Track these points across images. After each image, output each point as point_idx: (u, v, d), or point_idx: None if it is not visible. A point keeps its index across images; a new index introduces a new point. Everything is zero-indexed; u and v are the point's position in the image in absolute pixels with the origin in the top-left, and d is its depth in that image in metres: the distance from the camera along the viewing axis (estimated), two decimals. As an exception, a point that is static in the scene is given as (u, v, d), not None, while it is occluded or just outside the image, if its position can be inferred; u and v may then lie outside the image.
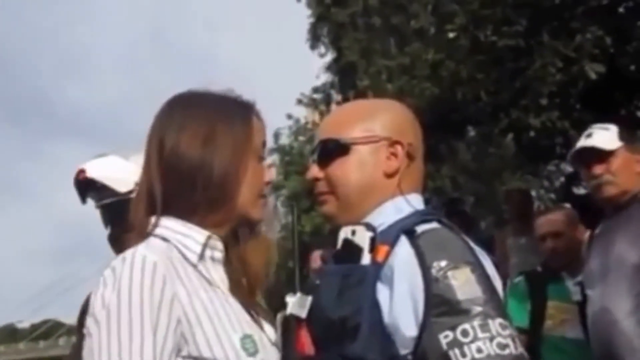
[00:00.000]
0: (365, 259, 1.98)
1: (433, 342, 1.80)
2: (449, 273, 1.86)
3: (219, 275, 1.91)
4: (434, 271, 1.85)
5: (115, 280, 1.72)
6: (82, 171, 3.03)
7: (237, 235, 1.99)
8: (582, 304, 3.64)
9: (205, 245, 1.88)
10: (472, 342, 1.78)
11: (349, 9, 13.78)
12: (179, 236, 1.87)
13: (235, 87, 2.08)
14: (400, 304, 1.88)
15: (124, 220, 2.18)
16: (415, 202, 2.13)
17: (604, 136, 3.57)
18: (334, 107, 15.87)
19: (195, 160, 1.89)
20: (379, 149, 2.14)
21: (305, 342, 2.05)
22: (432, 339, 1.80)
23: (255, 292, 2.01)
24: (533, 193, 11.84)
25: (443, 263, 1.87)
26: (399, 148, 2.13)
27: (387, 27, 12.93)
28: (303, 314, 2.07)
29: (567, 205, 5.50)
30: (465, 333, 1.80)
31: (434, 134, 10.61)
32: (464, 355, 1.77)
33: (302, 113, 16.95)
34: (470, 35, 8.52)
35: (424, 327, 1.82)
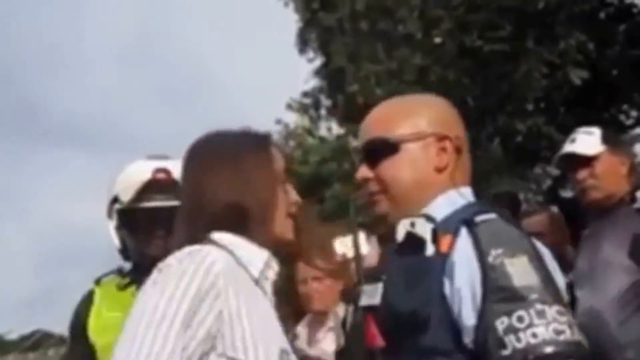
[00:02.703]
0: (429, 250, 2.01)
1: (489, 329, 1.83)
2: (506, 260, 1.88)
3: (269, 294, 2.01)
4: (490, 259, 1.89)
5: (173, 267, 1.86)
6: (164, 171, 3.02)
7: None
8: (572, 304, 3.68)
9: (267, 263, 2.00)
10: (527, 327, 1.80)
11: (337, 13, 13.82)
12: (243, 251, 1.97)
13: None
14: (461, 293, 1.91)
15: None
16: (468, 194, 2.19)
17: (587, 141, 3.66)
18: (323, 112, 15.99)
19: (233, 199, 2.00)
20: (428, 145, 2.17)
21: (375, 333, 2.10)
22: (489, 325, 1.83)
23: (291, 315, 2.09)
24: (521, 196, 11.94)
25: (500, 251, 1.90)
26: (447, 143, 2.17)
27: (375, 31, 12.98)
28: (376, 301, 2.10)
29: (553, 207, 5.59)
30: (520, 319, 1.81)
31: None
32: (519, 340, 1.79)
33: (292, 118, 16.94)
34: (456, 40, 8.61)
35: (481, 315, 1.86)
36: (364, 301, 2.17)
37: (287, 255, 2.16)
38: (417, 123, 2.19)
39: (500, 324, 1.82)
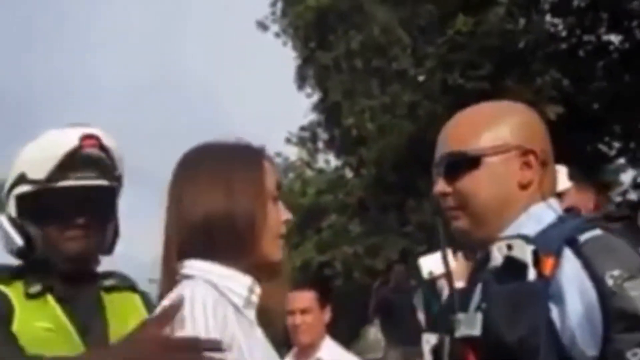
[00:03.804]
0: (531, 274, 1.84)
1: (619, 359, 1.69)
2: (626, 284, 1.73)
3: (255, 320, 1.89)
4: (608, 283, 1.72)
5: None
6: (94, 137, 2.45)
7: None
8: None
9: (250, 289, 1.85)
10: None
11: (333, 51, 14.28)
12: (225, 280, 1.83)
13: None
14: (576, 321, 1.76)
15: (111, 209, 2.49)
16: (556, 206, 2.01)
17: None
18: (320, 145, 16.40)
19: (218, 213, 1.84)
20: (511, 159, 1.98)
21: None
22: (620, 357, 1.69)
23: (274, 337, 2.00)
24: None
25: (616, 273, 1.74)
26: (532, 157, 1.97)
27: (369, 68, 13.40)
28: (476, 331, 1.92)
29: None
30: None
31: (414, 170, 11.04)
32: None
33: (292, 151, 17.31)
34: (439, 78, 9.04)
35: (606, 346, 1.71)
36: (462, 331, 1.97)
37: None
38: (500, 135, 2.00)
39: (633, 355, 1.69)
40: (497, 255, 1.90)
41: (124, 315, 2.47)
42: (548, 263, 1.80)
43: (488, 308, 1.88)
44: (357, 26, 13.65)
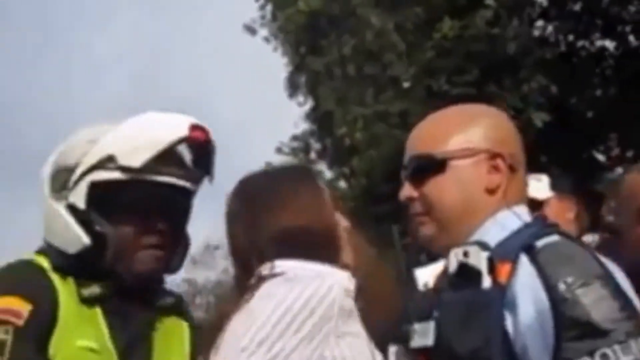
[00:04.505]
0: (486, 282, 1.79)
1: None
2: (578, 291, 1.69)
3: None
4: (560, 290, 1.69)
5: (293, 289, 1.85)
6: (202, 130, 2.20)
7: None
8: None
9: (349, 281, 1.92)
10: None
11: (325, 57, 13.99)
12: (322, 273, 1.92)
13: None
14: (528, 330, 1.73)
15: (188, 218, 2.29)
16: (523, 213, 1.95)
17: (536, 187, 3.81)
18: (313, 155, 16.08)
19: (301, 230, 1.99)
20: (479, 163, 1.95)
21: None
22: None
23: None
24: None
25: (570, 280, 1.70)
26: (500, 161, 1.94)
27: (362, 75, 13.13)
28: (429, 341, 1.89)
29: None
30: (605, 357, 1.64)
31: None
32: None
33: (283, 161, 17.04)
34: (423, 84, 8.79)
35: (556, 354, 1.68)
36: (417, 342, 1.94)
37: None
38: (468, 138, 1.96)
39: None
40: (454, 262, 1.86)
41: (168, 345, 2.30)
42: (504, 270, 1.77)
43: (440, 317, 1.87)
44: (349, 31, 13.36)
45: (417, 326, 1.94)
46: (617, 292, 1.71)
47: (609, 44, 10.09)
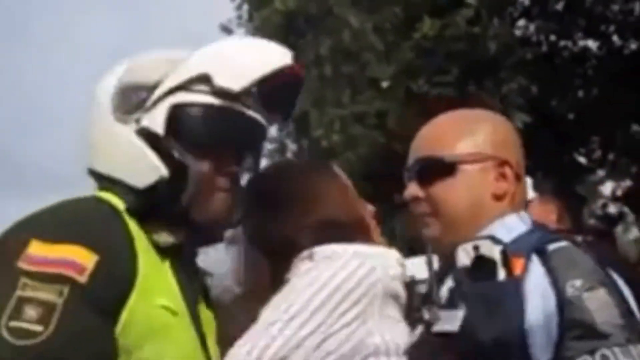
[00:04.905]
0: (501, 274, 1.86)
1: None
2: (585, 295, 1.76)
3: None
4: (568, 292, 1.77)
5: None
6: (300, 67, 1.97)
7: None
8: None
9: (400, 261, 2.04)
10: None
11: (302, 58, 13.80)
12: (373, 254, 1.97)
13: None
14: (535, 326, 1.79)
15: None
16: (527, 219, 2.03)
17: None
18: (289, 155, 15.90)
19: (339, 218, 2.04)
20: (487, 169, 2.01)
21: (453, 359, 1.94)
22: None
23: None
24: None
25: (577, 283, 1.78)
26: (507, 169, 2.01)
27: (340, 76, 12.98)
28: (454, 328, 1.91)
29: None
30: (605, 357, 1.70)
31: (387, 183, 10.64)
32: None
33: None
34: (403, 84, 8.64)
35: (558, 351, 1.75)
36: (440, 327, 1.97)
37: None
38: (476, 143, 2.02)
39: None
40: (463, 256, 1.92)
41: (208, 325, 1.96)
42: (518, 264, 1.84)
43: (465, 305, 1.90)
44: (327, 31, 13.18)
45: (442, 312, 1.98)
46: (619, 300, 1.77)
47: (592, 44, 9.96)
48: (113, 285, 1.64)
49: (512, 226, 1.97)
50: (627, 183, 10.31)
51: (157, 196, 1.79)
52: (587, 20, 9.79)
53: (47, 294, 1.57)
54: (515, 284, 1.82)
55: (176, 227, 1.82)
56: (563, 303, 1.76)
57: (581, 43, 10.01)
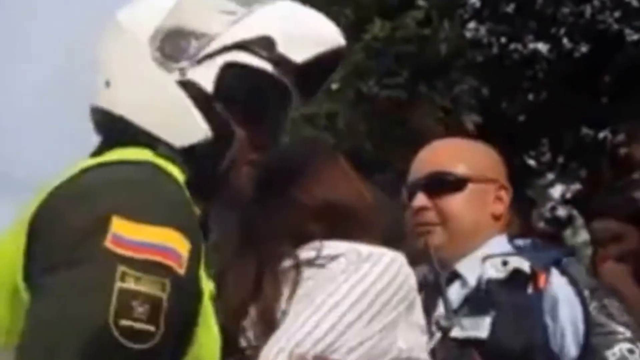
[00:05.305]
0: (529, 287, 2.12)
1: (600, 357, 2.04)
2: (606, 301, 2.07)
3: None
4: (593, 300, 2.05)
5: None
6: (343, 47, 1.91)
7: None
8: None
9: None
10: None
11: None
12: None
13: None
14: (565, 329, 2.06)
15: None
16: (518, 241, 2.30)
17: None
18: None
19: (341, 201, 2.00)
20: (489, 191, 2.29)
21: None
22: (598, 356, 2.04)
23: None
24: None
25: (594, 290, 2.08)
26: (504, 193, 2.32)
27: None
28: (483, 334, 2.11)
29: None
30: (631, 351, 2.00)
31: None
32: None
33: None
34: (352, 86, 8.57)
35: (586, 347, 2.05)
36: (465, 333, 2.13)
37: None
38: (481, 167, 2.30)
39: (612, 355, 1.99)
40: (490, 268, 2.15)
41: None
42: (542, 278, 2.11)
43: (496, 315, 2.11)
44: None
45: (465, 320, 2.15)
46: (624, 308, 2.11)
47: (542, 47, 9.96)
48: (198, 277, 1.48)
49: (501, 244, 2.25)
50: (577, 186, 10.31)
51: (195, 159, 1.64)
52: (537, 23, 9.79)
53: (151, 287, 1.35)
54: (539, 297, 2.08)
55: (204, 197, 1.65)
56: (587, 308, 2.04)
57: (531, 46, 10.01)
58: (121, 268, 1.34)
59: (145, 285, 1.34)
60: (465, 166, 2.27)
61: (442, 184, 2.25)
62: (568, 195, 10.85)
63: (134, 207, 1.41)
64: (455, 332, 2.14)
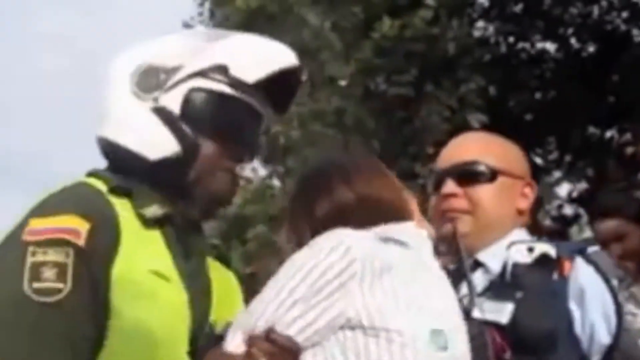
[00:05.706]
0: (555, 274, 2.14)
1: (632, 344, 2.08)
2: (633, 289, 2.15)
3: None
4: (617, 286, 2.10)
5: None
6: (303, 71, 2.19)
7: None
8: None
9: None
10: None
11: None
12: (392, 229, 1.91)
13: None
14: (594, 315, 2.09)
15: None
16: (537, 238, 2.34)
17: None
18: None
19: (377, 197, 1.98)
20: (515, 186, 2.32)
21: (504, 346, 2.10)
22: (631, 341, 2.08)
23: None
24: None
25: (621, 279, 2.12)
26: (529, 190, 2.35)
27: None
28: (504, 320, 2.13)
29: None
30: None
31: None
32: None
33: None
34: (360, 83, 8.61)
35: (618, 334, 2.08)
36: (488, 316, 2.13)
37: None
38: (511, 162, 2.33)
39: None
40: (515, 253, 2.17)
41: (226, 291, 2.17)
42: (567, 265, 2.14)
43: (522, 299, 2.13)
44: (287, 30, 13.13)
45: (487, 303, 2.16)
46: None
47: (550, 46, 9.99)
48: (102, 250, 1.81)
49: (523, 237, 2.27)
50: (583, 185, 10.33)
51: (165, 170, 1.97)
52: (545, 22, 9.83)
53: (57, 256, 1.76)
54: (564, 284, 2.11)
55: (173, 201, 2.00)
56: (617, 296, 2.08)
57: (539, 45, 10.04)
58: (30, 248, 1.77)
59: (52, 256, 1.75)
60: (496, 159, 2.31)
61: (473, 174, 2.29)
62: (574, 194, 10.87)
63: (44, 207, 1.87)
64: (475, 314, 2.16)
